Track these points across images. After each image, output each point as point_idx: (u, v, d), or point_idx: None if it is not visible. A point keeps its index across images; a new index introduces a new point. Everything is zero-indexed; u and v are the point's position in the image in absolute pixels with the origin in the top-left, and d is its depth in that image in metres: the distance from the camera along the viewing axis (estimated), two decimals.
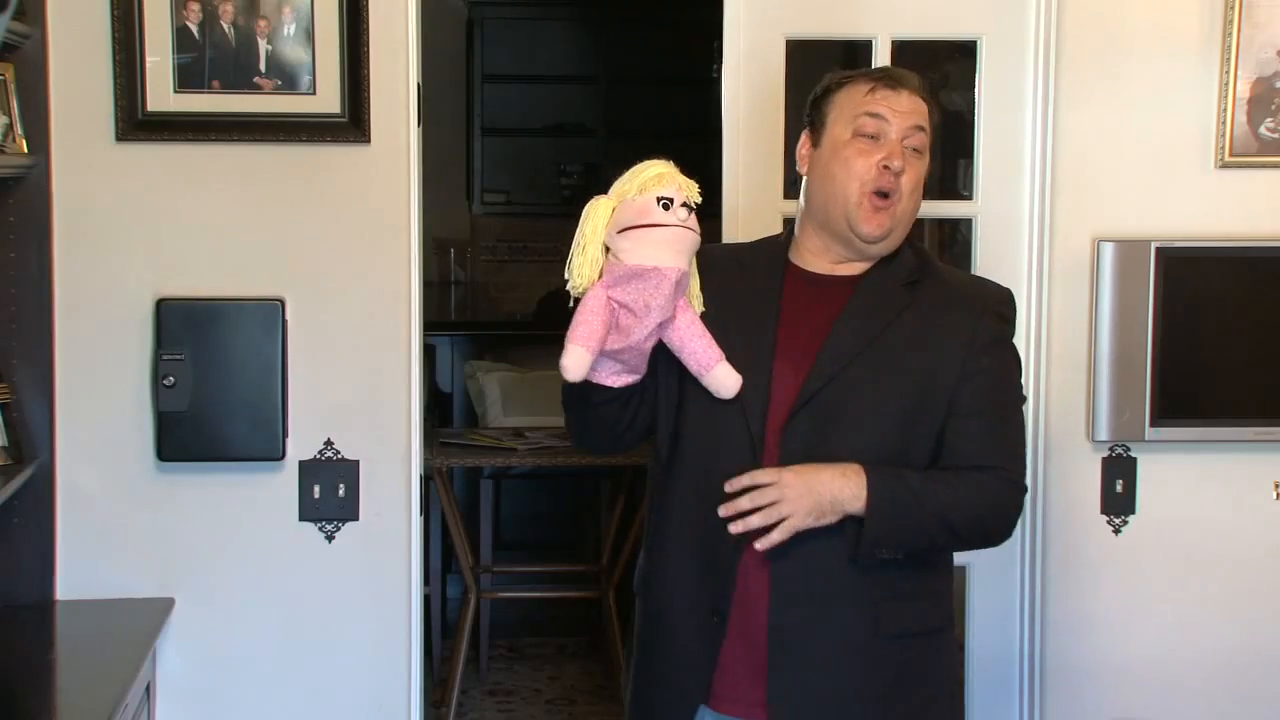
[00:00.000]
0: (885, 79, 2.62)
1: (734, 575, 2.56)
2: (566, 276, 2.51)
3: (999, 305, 2.67)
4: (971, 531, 2.62)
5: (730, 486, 2.52)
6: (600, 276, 2.48)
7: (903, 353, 2.57)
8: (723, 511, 2.51)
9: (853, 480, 2.50)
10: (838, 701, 2.56)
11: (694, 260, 2.53)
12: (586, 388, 2.52)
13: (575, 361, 2.46)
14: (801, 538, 2.51)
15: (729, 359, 2.56)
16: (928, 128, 2.62)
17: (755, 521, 2.49)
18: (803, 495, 2.49)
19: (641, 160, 2.54)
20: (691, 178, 2.51)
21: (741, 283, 2.67)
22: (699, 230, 2.49)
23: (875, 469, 2.51)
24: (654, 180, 2.46)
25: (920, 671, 2.63)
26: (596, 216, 2.48)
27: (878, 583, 2.56)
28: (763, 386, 2.57)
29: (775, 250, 2.72)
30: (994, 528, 2.65)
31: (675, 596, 2.63)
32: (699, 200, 2.48)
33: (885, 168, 2.56)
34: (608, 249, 2.48)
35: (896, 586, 2.58)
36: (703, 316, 2.58)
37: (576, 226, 2.51)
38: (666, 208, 2.45)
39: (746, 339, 2.60)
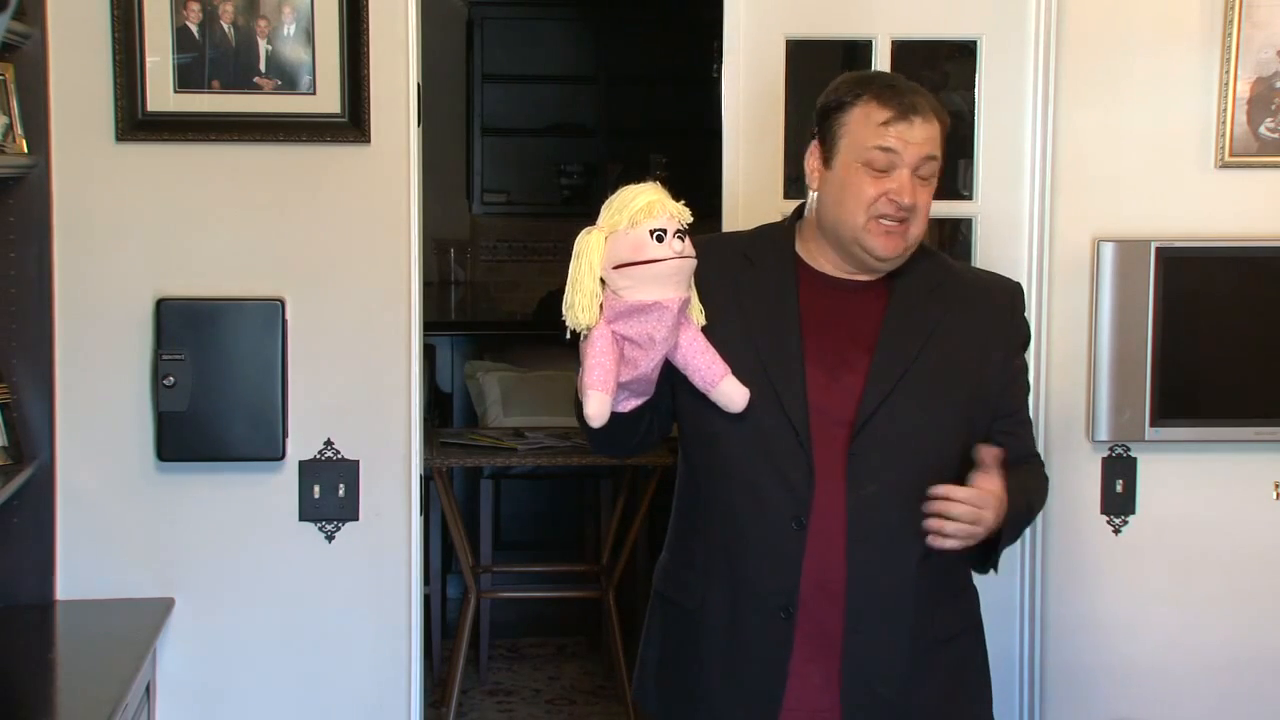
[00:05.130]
0: (901, 111, 2.55)
1: (799, 571, 2.55)
2: (564, 315, 2.46)
3: (1020, 301, 2.76)
4: (1034, 517, 2.81)
5: (941, 507, 2.50)
6: (600, 310, 2.45)
7: (948, 362, 2.60)
8: (929, 523, 2.51)
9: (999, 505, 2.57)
10: (906, 706, 2.60)
11: (692, 276, 2.50)
12: None
13: (598, 408, 2.44)
14: (872, 540, 2.55)
15: (756, 359, 2.57)
16: (939, 153, 2.60)
17: (953, 534, 2.50)
18: (996, 506, 2.52)
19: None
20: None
21: (752, 279, 2.66)
22: (694, 254, 2.45)
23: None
24: (643, 211, 2.41)
25: (967, 671, 2.70)
26: (590, 252, 2.43)
27: (933, 582, 2.61)
28: (798, 387, 2.57)
29: (781, 245, 2.70)
30: (1041, 509, 2.82)
31: (727, 596, 2.61)
32: (690, 221, 2.44)
33: (893, 200, 2.56)
34: (604, 282, 2.44)
35: (946, 585, 2.64)
36: (713, 312, 2.56)
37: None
38: (660, 239, 2.40)
39: (772, 340, 2.60)
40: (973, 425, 2.62)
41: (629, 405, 2.54)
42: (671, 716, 2.72)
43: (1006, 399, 2.67)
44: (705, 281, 2.57)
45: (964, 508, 2.49)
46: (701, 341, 2.52)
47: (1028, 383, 2.79)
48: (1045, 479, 2.80)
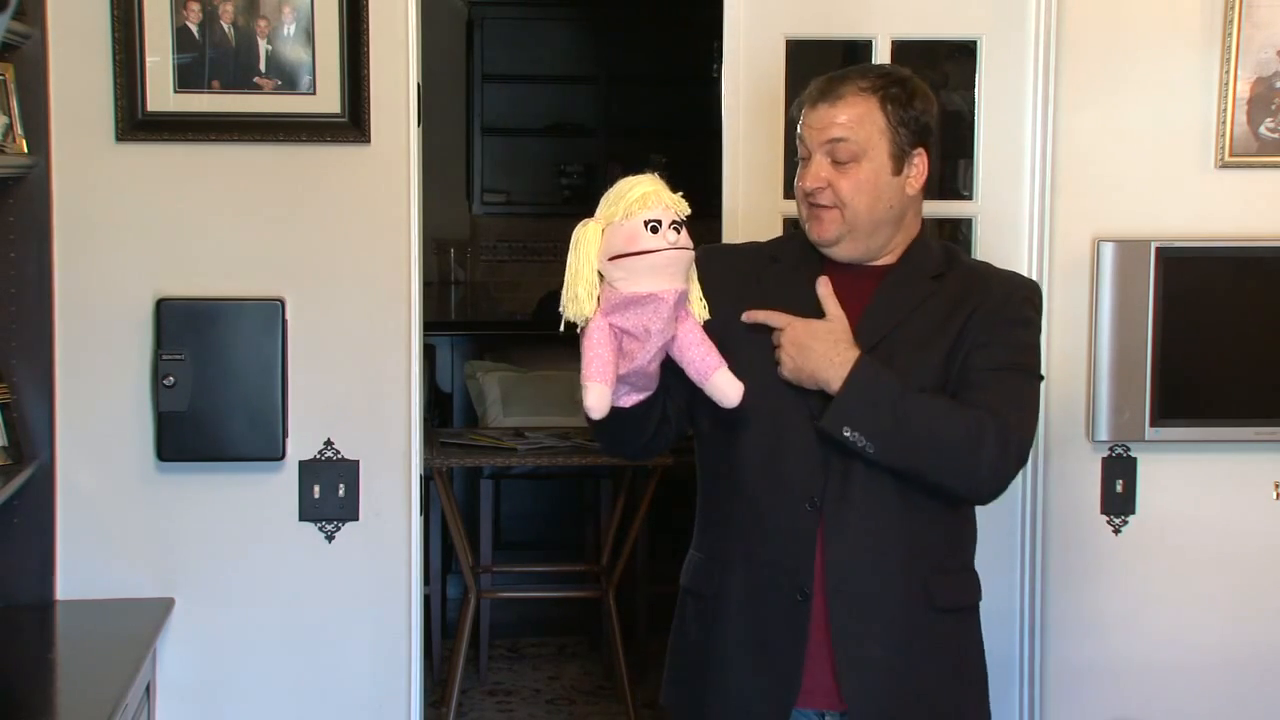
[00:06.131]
0: (811, 100, 2.62)
1: (814, 553, 2.57)
2: (562, 308, 2.45)
3: (1029, 292, 2.70)
4: (942, 454, 2.52)
5: (748, 317, 2.60)
6: (598, 303, 2.44)
7: (928, 335, 2.60)
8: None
9: (841, 359, 2.53)
10: (904, 676, 2.60)
11: (692, 269, 2.48)
12: None
13: (598, 399, 2.43)
14: (851, 510, 2.56)
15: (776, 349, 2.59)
16: (849, 134, 2.56)
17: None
18: (793, 355, 2.56)
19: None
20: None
21: (776, 272, 2.69)
22: (692, 246, 2.44)
23: (872, 358, 2.54)
24: (639, 202, 2.40)
25: (963, 648, 2.70)
26: (586, 244, 2.43)
27: (925, 554, 2.61)
28: None
29: (806, 241, 2.70)
30: (966, 463, 2.52)
31: (745, 581, 2.62)
32: (688, 213, 2.43)
33: (804, 189, 2.62)
34: (602, 275, 2.44)
35: (942, 560, 2.65)
36: (737, 307, 2.59)
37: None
38: (655, 230, 2.39)
39: None
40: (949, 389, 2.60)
41: (630, 400, 2.53)
42: (694, 711, 2.73)
43: (976, 357, 2.57)
44: (729, 280, 2.61)
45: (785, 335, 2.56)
46: (698, 334, 2.51)
47: (1017, 360, 2.60)
48: (972, 426, 2.50)
